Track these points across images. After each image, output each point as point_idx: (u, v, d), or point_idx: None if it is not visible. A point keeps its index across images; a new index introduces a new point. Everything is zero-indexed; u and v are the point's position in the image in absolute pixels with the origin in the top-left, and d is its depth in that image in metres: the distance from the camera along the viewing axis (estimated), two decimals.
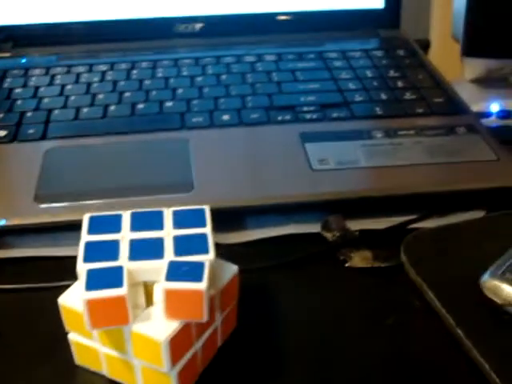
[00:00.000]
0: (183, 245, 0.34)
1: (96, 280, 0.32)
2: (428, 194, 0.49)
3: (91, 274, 0.32)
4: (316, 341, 0.39)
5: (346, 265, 0.45)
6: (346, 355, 0.39)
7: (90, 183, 0.49)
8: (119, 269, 0.33)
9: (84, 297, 0.31)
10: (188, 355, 0.35)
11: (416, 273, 0.42)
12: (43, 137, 0.55)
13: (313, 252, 0.46)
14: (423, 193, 0.49)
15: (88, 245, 0.35)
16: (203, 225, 0.36)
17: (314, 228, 0.47)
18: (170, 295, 0.32)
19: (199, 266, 0.33)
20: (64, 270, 0.40)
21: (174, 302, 0.32)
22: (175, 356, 0.33)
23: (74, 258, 0.34)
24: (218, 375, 0.37)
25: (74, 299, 0.34)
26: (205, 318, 0.33)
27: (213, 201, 0.45)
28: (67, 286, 0.36)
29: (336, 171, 0.50)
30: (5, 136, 0.55)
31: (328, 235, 0.47)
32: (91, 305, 0.32)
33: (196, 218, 0.36)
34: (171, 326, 0.33)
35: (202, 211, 0.37)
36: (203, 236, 0.35)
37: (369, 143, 0.53)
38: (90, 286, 0.32)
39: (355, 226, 0.47)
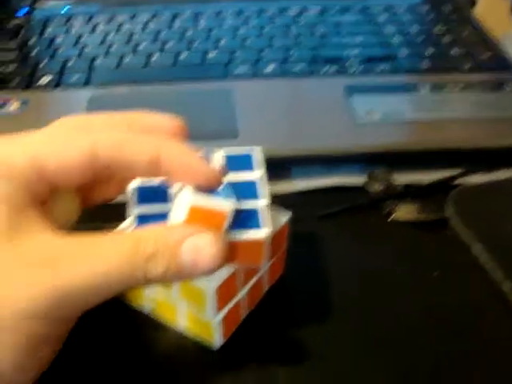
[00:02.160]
0: (236, 191, 0.33)
1: None
2: (474, 149, 0.48)
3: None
4: (359, 290, 0.39)
5: (391, 218, 0.45)
6: (389, 305, 0.38)
7: None
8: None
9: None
10: (232, 302, 0.35)
11: (463, 226, 0.42)
12: (87, 84, 0.55)
13: (357, 204, 0.45)
14: (469, 148, 0.48)
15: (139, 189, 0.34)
16: (254, 168, 0.34)
17: (358, 180, 0.47)
18: (230, 244, 0.31)
19: (255, 212, 0.32)
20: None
21: (233, 250, 0.31)
22: (220, 304, 0.34)
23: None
24: (261, 320, 0.37)
25: None
26: (262, 264, 0.33)
27: None
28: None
29: (381, 124, 0.49)
30: (49, 82, 0.55)
31: (373, 188, 0.46)
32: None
33: (248, 163, 0.35)
34: (218, 275, 0.33)
35: (250, 156, 0.35)
36: (254, 182, 0.34)
37: (415, 97, 0.52)
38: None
39: (400, 179, 0.47)
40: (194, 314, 0.35)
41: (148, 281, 0.29)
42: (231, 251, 0.30)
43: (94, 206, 0.35)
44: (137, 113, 0.34)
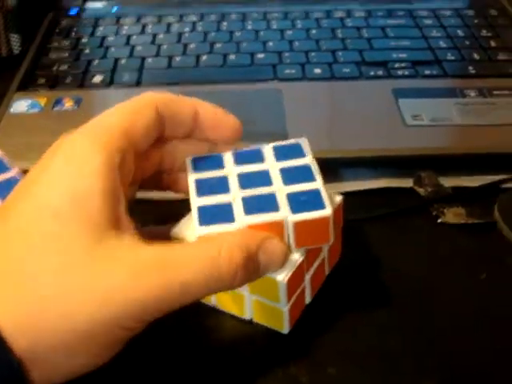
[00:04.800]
0: (290, 175, 0.35)
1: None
2: None
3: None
4: (408, 291, 0.40)
5: (439, 220, 0.45)
6: (437, 306, 0.39)
7: None
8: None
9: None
10: (300, 289, 0.36)
11: (510, 230, 0.42)
12: (138, 83, 0.56)
13: (406, 206, 0.46)
14: None
15: (198, 182, 0.35)
16: (304, 155, 0.36)
17: (406, 183, 0.48)
18: (298, 226, 0.33)
19: (315, 192, 0.33)
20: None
21: (302, 232, 0.33)
22: (290, 292, 0.35)
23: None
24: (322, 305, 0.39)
25: (185, 231, 0.35)
26: (331, 240, 0.34)
27: None
28: None
29: (430, 127, 0.50)
30: (101, 81, 0.57)
31: (420, 190, 0.47)
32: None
33: (296, 151, 0.36)
34: (289, 265, 0.34)
35: (299, 145, 0.37)
36: (307, 166, 0.35)
37: (462, 101, 0.53)
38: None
39: (448, 182, 0.47)
40: (263, 304, 0.36)
41: (233, 285, 0.31)
42: (302, 232, 0.33)
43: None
44: (203, 103, 0.37)
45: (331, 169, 0.48)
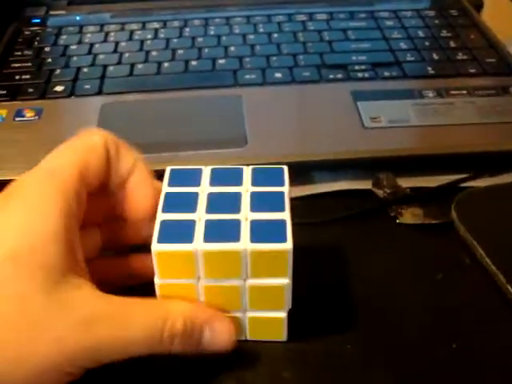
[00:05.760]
0: (260, 202, 0.35)
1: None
2: (479, 154, 0.49)
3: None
4: (367, 292, 0.40)
5: (397, 221, 0.46)
6: (397, 305, 0.40)
7: (145, 137, 0.50)
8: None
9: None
10: None
11: (466, 230, 0.43)
12: (99, 92, 0.56)
13: (365, 208, 0.46)
14: (474, 152, 0.49)
15: (168, 195, 0.36)
16: (282, 184, 0.36)
17: (365, 185, 0.48)
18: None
19: (280, 224, 0.34)
20: None
21: (259, 262, 0.33)
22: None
23: None
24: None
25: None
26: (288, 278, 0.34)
27: (265, 156, 0.46)
28: None
29: (388, 129, 0.50)
30: (62, 91, 0.57)
31: (379, 192, 0.47)
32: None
33: (275, 177, 0.37)
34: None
35: (280, 170, 0.37)
36: (280, 194, 0.35)
37: (420, 102, 0.53)
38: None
39: (406, 183, 0.48)
40: (259, 319, 0.36)
41: (170, 351, 0.32)
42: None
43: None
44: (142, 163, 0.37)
45: (290, 172, 0.49)
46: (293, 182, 0.47)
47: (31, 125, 0.53)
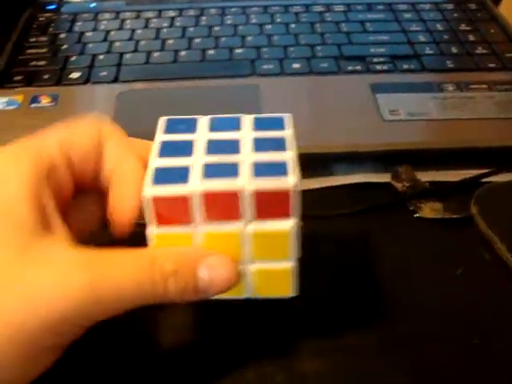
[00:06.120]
0: (262, 145, 0.33)
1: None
2: (498, 149, 0.49)
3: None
4: (385, 286, 0.40)
5: (416, 215, 0.45)
6: (413, 301, 0.39)
7: None
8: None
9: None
10: None
11: (486, 225, 0.42)
12: (115, 79, 0.56)
13: (384, 201, 0.46)
14: (493, 147, 0.49)
15: (162, 143, 0.34)
16: (284, 128, 0.35)
17: (384, 178, 0.48)
18: (256, 196, 0.31)
19: (283, 164, 0.32)
20: None
21: (261, 203, 0.31)
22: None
23: None
24: None
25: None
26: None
27: None
28: None
29: (407, 122, 0.50)
30: (78, 77, 0.56)
31: (398, 185, 0.47)
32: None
33: (276, 124, 0.35)
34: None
35: (281, 119, 0.35)
36: (283, 138, 0.34)
37: (440, 96, 0.53)
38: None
39: (425, 177, 0.48)
40: (265, 271, 0.33)
41: (167, 297, 0.31)
42: (260, 203, 0.31)
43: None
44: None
45: (308, 164, 0.49)
46: (310, 174, 0.48)
47: (47, 111, 0.52)
